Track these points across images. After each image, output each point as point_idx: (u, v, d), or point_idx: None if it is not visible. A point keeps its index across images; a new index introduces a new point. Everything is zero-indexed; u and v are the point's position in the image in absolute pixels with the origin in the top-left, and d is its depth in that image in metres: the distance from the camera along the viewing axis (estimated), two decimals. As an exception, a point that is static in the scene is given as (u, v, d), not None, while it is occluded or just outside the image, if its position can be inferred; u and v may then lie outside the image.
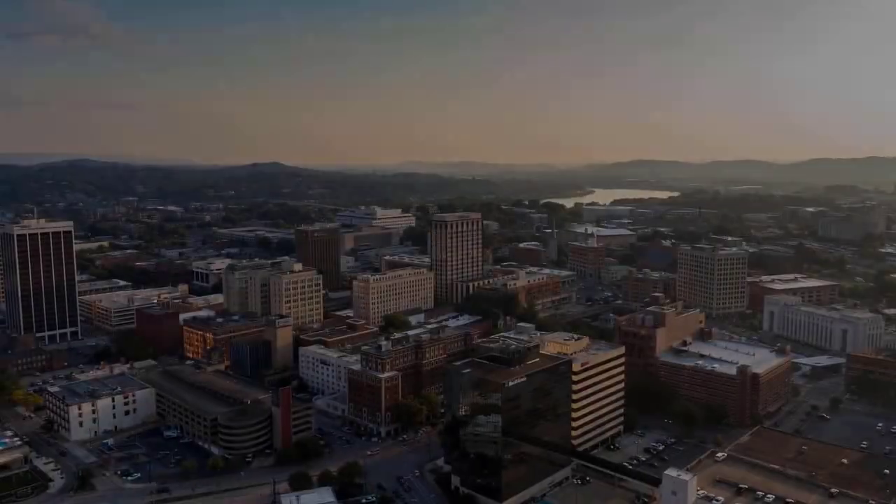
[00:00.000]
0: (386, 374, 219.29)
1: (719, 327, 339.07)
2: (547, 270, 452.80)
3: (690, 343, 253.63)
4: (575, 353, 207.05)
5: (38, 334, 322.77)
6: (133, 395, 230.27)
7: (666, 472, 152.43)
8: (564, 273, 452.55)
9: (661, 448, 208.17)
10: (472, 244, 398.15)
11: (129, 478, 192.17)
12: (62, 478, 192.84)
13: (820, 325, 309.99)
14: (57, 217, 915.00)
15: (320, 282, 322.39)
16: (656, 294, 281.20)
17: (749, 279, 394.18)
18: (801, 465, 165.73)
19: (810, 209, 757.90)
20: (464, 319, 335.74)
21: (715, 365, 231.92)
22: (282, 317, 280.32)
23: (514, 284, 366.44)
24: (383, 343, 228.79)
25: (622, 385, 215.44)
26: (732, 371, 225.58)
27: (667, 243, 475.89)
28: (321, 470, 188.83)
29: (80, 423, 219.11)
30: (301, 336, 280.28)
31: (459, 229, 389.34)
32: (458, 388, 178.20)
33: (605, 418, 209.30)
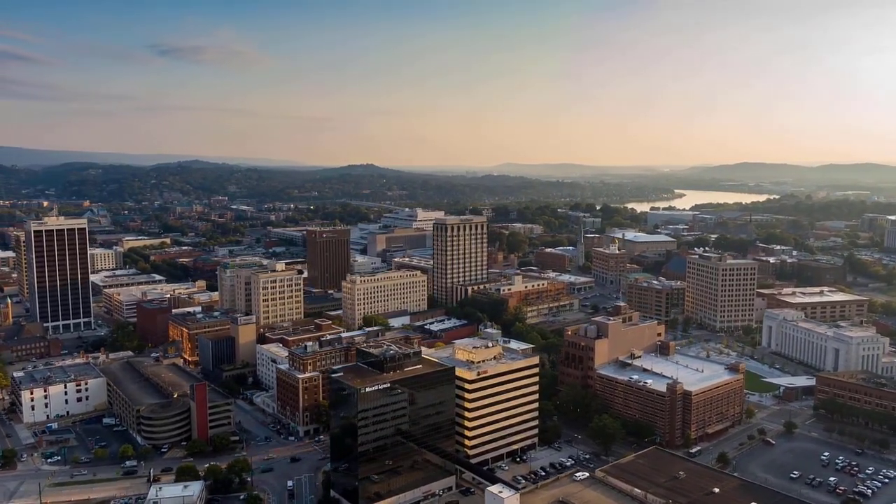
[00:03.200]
0: (304, 375, 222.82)
1: (716, 341, 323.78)
2: (565, 276, 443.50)
3: (639, 356, 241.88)
4: (483, 360, 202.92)
5: (53, 323, 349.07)
6: (86, 384, 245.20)
7: (489, 488, 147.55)
8: (582, 279, 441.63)
9: (569, 464, 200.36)
10: (477, 248, 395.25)
11: (50, 460, 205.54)
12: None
13: (815, 343, 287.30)
14: (145, 214, 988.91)
15: (301, 282, 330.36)
16: (619, 304, 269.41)
17: (768, 291, 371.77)
18: (666, 492, 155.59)
19: (892, 217, 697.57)
20: (450, 323, 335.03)
21: (648, 380, 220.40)
22: (246, 314, 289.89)
23: (509, 290, 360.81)
24: (309, 344, 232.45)
25: (535, 396, 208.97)
26: (664, 388, 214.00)
27: (699, 250, 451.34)
28: (226, 463, 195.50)
29: (32, 407, 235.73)
30: (266, 334, 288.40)
31: (461, 233, 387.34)
32: (331, 392, 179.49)
33: (513, 429, 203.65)
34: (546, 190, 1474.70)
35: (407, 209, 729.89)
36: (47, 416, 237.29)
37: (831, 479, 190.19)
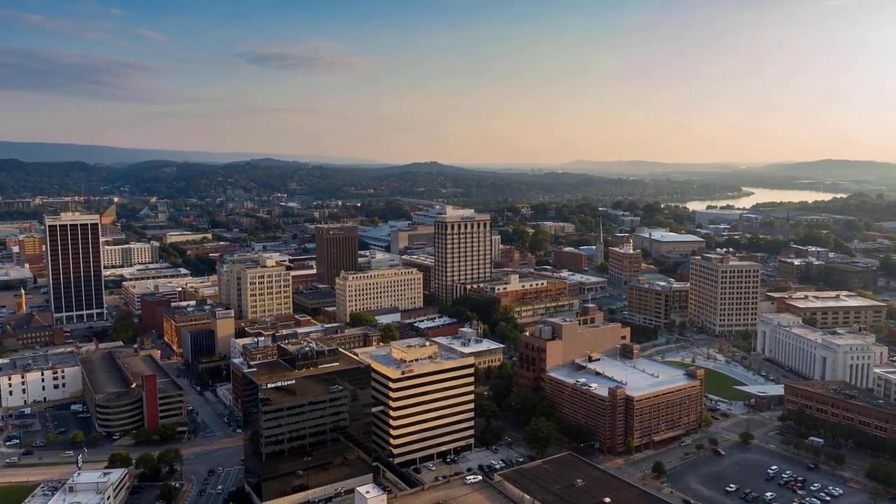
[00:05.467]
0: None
1: (707, 346, 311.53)
2: (577, 276, 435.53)
3: (598, 359, 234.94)
4: (415, 360, 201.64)
5: (67, 314, 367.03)
6: (62, 371, 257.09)
7: (357, 489, 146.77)
8: (593, 279, 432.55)
9: (499, 466, 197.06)
10: (480, 246, 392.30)
11: (8, 443, 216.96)
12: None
13: (805, 350, 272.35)
14: (203, 210, 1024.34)
15: (289, 277, 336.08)
16: (588, 305, 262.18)
17: (778, 294, 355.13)
18: (556, 499, 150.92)
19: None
20: (441, 321, 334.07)
21: (594, 384, 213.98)
22: (226, 308, 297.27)
23: (503, 289, 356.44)
24: (261, 340, 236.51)
25: (470, 396, 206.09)
26: (606, 392, 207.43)
27: (722, 252, 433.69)
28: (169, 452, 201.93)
29: (10, 393, 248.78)
30: (246, 328, 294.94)
31: (462, 231, 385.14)
32: (242, 387, 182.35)
33: (444, 430, 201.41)
34: (606, 188, 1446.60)
35: (437, 206, 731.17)
36: (24, 401, 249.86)
37: (768, 493, 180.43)
